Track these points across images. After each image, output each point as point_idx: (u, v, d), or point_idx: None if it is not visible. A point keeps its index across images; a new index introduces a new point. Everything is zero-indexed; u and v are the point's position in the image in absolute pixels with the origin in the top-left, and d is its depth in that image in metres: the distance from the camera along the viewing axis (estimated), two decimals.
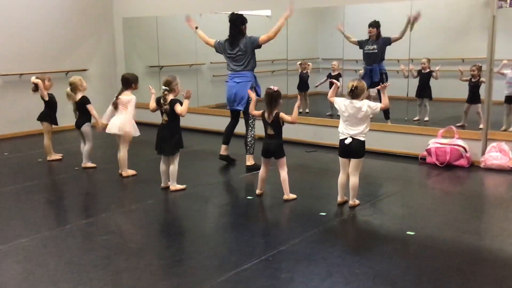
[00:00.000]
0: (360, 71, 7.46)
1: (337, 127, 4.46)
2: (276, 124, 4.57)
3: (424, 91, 7.37)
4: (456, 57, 8.19)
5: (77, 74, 8.45)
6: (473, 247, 3.61)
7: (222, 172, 5.83)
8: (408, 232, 3.85)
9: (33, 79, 6.13)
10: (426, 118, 7.25)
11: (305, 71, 8.80)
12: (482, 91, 6.28)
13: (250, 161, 5.80)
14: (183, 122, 5.09)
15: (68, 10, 8.71)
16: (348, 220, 4.22)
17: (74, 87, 5.80)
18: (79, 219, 4.33)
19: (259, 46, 5.74)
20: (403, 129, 6.49)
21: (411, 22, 6.77)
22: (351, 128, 4.30)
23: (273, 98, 4.54)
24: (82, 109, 5.84)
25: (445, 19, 8.28)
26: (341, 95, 4.73)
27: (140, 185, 5.34)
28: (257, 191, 4.80)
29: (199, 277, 3.18)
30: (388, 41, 7.14)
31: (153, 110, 5.04)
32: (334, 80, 4.68)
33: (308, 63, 8.85)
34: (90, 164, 5.92)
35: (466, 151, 5.75)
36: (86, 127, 5.85)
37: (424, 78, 7.35)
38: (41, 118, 6.26)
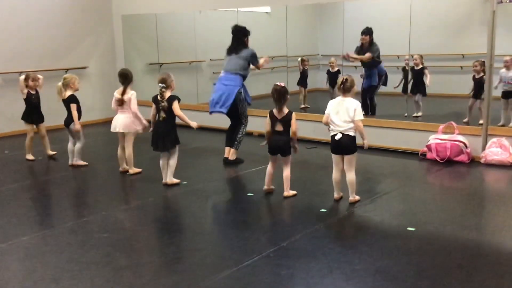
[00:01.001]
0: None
1: None
2: (285, 121, 4.57)
3: (417, 87, 7.35)
4: (456, 53, 8.18)
5: (77, 72, 8.48)
6: (474, 243, 3.62)
7: (222, 169, 5.83)
8: (408, 228, 3.85)
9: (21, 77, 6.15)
10: (420, 114, 7.24)
11: (306, 67, 8.79)
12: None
13: (233, 156, 5.85)
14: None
15: (67, 7, 8.70)
16: (349, 216, 4.22)
17: (66, 84, 5.72)
18: (79, 216, 4.33)
19: (256, 66, 5.92)
20: (403, 125, 6.49)
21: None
22: (340, 124, 4.31)
23: (281, 94, 4.54)
24: (68, 108, 5.79)
25: (445, 15, 8.27)
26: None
27: (141, 182, 5.34)
28: (265, 187, 4.75)
29: (200, 274, 3.19)
30: (378, 54, 7.21)
31: (154, 114, 5.00)
32: None
33: (307, 59, 8.84)
34: (81, 162, 5.89)
35: (466, 146, 5.75)
36: (74, 126, 5.79)
37: (417, 74, 7.33)
38: (22, 117, 6.24)
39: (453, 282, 3.03)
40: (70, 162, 5.93)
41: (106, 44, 9.34)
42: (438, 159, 5.79)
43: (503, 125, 6.24)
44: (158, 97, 4.88)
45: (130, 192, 5.23)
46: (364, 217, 4.20)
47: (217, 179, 5.44)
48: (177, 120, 5.00)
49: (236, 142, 5.87)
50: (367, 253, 3.45)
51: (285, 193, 4.64)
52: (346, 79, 4.32)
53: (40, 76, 6.28)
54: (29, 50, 8.16)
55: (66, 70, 8.45)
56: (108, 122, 6.06)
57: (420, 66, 7.27)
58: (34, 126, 6.27)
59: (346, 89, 4.32)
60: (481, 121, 6.12)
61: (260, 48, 5.92)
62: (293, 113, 4.57)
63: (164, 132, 4.92)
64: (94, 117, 5.93)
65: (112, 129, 5.47)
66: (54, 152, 6.42)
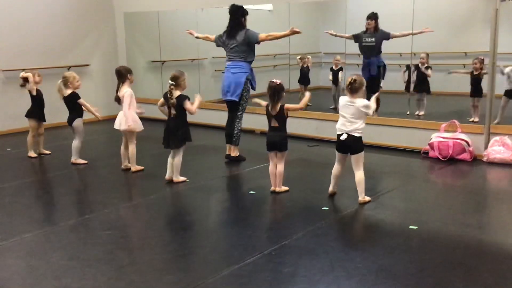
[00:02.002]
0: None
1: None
2: (280, 117, 4.57)
3: (422, 86, 7.34)
4: (459, 51, 8.16)
5: (79, 70, 8.50)
6: (476, 241, 3.61)
7: (224, 167, 5.82)
8: (411, 226, 3.85)
9: (23, 73, 6.13)
10: (422, 112, 7.23)
11: (305, 65, 8.78)
12: (484, 85, 6.25)
13: (234, 152, 5.83)
14: (188, 116, 5.08)
15: (69, 5, 8.70)
16: (351, 214, 4.22)
17: (65, 82, 5.72)
18: (81, 214, 4.34)
19: (257, 43, 5.75)
20: (405, 123, 6.48)
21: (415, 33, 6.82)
22: (346, 125, 4.28)
23: (276, 91, 4.53)
24: (70, 105, 5.79)
25: (447, 13, 8.25)
26: (343, 91, 4.74)
27: (143, 180, 5.34)
28: (272, 188, 4.72)
29: (202, 271, 3.19)
30: (387, 36, 7.09)
31: (161, 105, 5.05)
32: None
33: (308, 57, 8.83)
34: (80, 161, 5.89)
35: (469, 145, 5.74)
36: (76, 123, 5.80)
37: (422, 73, 7.32)
38: (28, 114, 6.23)
39: (455, 280, 3.02)
40: (71, 160, 5.94)
41: (108, 42, 9.34)
42: (440, 158, 5.78)
43: (498, 123, 6.22)
44: (168, 94, 4.89)
45: (132, 190, 5.23)
46: (366, 215, 4.20)
47: (218, 176, 5.44)
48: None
49: (234, 139, 5.84)
50: (369, 251, 3.45)
51: (277, 189, 4.64)
52: (355, 80, 4.22)
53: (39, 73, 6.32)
54: (31, 48, 8.16)
55: (69, 68, 8.45)
56: (110, 119, 6.07)
57: (426, 65, 7.26)
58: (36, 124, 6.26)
59: (354, 89, 4.24)
60: (472, 119, 6.13)
61: (262, 46, 5.90)
62: (285, 105, 4.55)
63: (174, 129, 4.94)
64: (90, 113, 5.94)
65: (114, 126, 5.48)
66: (49, 152, 6.43)
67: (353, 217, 4.19)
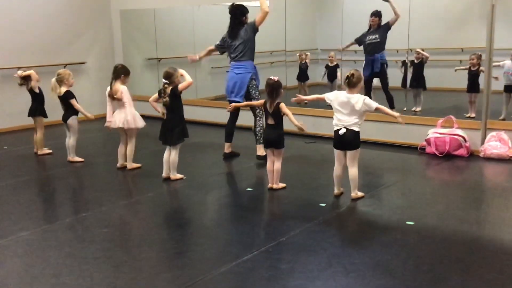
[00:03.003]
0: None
1: None
2: (276, 114, 4.57)
3: (418, 81, 7.34)
4: (455, 47, 8.16)
5: (75, 67, 8.48)
6: (473, 237, 3.62)
7: (221, 164, 5.82)
8: (407, 222, 3.85)
9: (21, 72, 6.11)
10: (419, 108, 7.23)
11: (303, 62, 8.78)
12: (481, 80, 6.27)
13: (260, 151, 5.71)
14: (185, 114, 5.07)
15: (65, 2, 8.66)
16: (348, 210, 4.22)
17: (60, 80, 5.70)
18: (79, 212, 4.33)
19: (257, 29, 5.69)
20: (402, 119, 6.48)
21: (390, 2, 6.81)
22: (345, 119, 4.26)
23: (274, 88, 4.54)
24: (66, 103, 5.77)
25: (444, 8, 8.25)
26: (338, 87, 4.73)
27: (140, 177, 5.34)
28: (269, 185, 4.71)
29: (200, 268, 3.19)
30: (388, 27, 7.05)
31: (154, 100, 5.04)
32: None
33: (306, 53, 8.83)
34: (77, 159, 5.87)
35: (465, 140, 5.75)
36: (71, 120, 5.78)
37: (418, 68, 7.32)
38: (33, 113, 6.22)
39: (452, 275, 3.03)
40: (68, 158, 5.93)
41: (105, 39, 9.32)
42: (437, 153, 5.79)
43: (503, 119, 6.25)
44: (162, 93, 4.87)
45: (129, 187, 5.22)
46: (363, 211, 4.20)
47: (216, 174, 5.44)
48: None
49: (257, 137, 5.73)
50: (366, 247, 3.45)
51: (274, 186, 4.65)
52: (353, 74, 4.21)
53: None
54: (27, 46, 8.13)
55: (65, 66, 8.43)
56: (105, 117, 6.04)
57: (421, 59, 7.27)
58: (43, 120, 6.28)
59: (351, 84, 4.22)
60: (469, 114, 6.15)
61: (259, 42, 5.88)
62: (281, 104, 4.54)
63: (171, 126, 4.94)
64: (92, 112, 5.90)
65: (112, 125, 5.46)
66: (50, 151, 6.43)
67: (350, 214, 4.19)
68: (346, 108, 4.24)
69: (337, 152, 4.39)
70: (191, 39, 8.73)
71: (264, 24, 5.69)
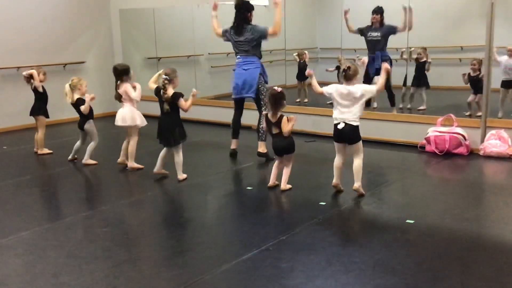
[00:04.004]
0: (363, 58, 7.36)
1: None
2: (280, 124, 4.59)
3: (420, 80, 7.33)
4: (455, 45, 8.16)
5: (74, 67, 8.49)
6: (473, 235, 3.62)
7: (221, 163, 5.82)
8: (407, 221, 3.86)
9: (25, 72, 6.12)
10: (423, 107, 7.22)
11: (302, 61, 8.77)
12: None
13: (262, 148, 5.71)
14: (182, 113, 5.07)
15: (64, 2, 8.66)
16: (348, 209, 4.23)
17: (74, 85, 5.68)
18: (79, 211, 4.33)
19: (265, 38, 5.70)
20: (402, 118, 6.49)
21: (407, 14, 6.72)
22: (344, 113, 4.31)
23: (277, 99, 4.57)
24: (79, 110, 5.76)
25: (443, 7, 8.25)
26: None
27: (141, 177, 5.33)
28: (270, 184, 4.73)
29: (200, 267, 3.19)
30: (393, 30, 6.98)
31: (151, 89, 5.05)
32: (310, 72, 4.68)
33: (305, 52, 8.81)
34: (91, 161, 5.87)
35: (465, 139, 5.75)
36: (88, 126, 5.78)
37: (420, 67, 7.31)
38: (35, 112, 6.22)
39: (452, 274, 3.03)
40: (69, 158, 5.93)
41: (104, 39, 9.31)
42: (437, 152, 5.79)
43: (501, 117, 6.24)
44: (161, 88, 4.89)
45: (129, 187, 5.22)
46: (363, 210, 4.21)
47: (216, 173, 5.44)
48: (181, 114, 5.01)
49: (260, 134, 5.72)
50: (366, 245, 3.46)
51: (282, 186, 4.66)
52: (349, 67, 4.30)
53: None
54: (27, 45, 8.13)
55: (64, 65, 8.45)
56: (106, 117, 6.06)
57: (424, 59, 7.25)
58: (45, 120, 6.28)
59: (348, 77, 4.30)
60: (479, 113, 6.13)
61: None
62: (284, 117, 4.58)
63: (169, 127, 4.94)
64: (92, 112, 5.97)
65: (116, 123, 5.48)
66: (50, 151, 6.42)
67: (350, 212, 4.19)
68: (347, 99, 4.29)
69: (337, 145, 4.45)
70: (190, 38, 8.73)
71: (263, 23, 5.69)
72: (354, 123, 4.30)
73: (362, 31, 7.29)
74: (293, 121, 4.57)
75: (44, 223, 4.07)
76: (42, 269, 3.23)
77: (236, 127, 5.94)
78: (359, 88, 4.29)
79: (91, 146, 5.81)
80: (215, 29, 5.97)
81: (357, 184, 4.39)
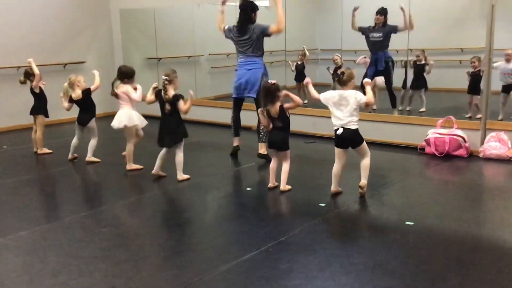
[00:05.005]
0: (366, 58, 7.35)
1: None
2: (283, 117, 4.58)
3: (419, 82, 7.34)
4: (455, 47, 8.17)
5: (74, 67, 8.48)
6: (472, 237, 3.62)
7: (221, 164, 5.82)
8: (407, 222, 3.85)
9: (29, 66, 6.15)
10: (423, 109, 7.23)
11: (300, 62, 8.77)
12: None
13: (262, 149, 5.71)
14: (182, 114, 5.07)
15: (64, 2, 8.66)
16: (347, 210, 4.22)
17: (72, 83, 5.71)
18: (78, 211, 4.32)
19: (268, 35, 5.69)
20: (402, 120, 6.49)
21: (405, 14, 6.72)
22: (341, 118, 4.31)
23: (270, 91, 4.55)
24: (84, 105, 5.79)
25: (444, 8, 8.26)
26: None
27: (140, 177, 5.33)
28: (269, 185, 4.73)
29: (199, 268, 3.19)
30: (394, 30, 6.97)
31: (150, 103, 5.05)
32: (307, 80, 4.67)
33: (306, 51, 8.80)
34: (94, 159, 5.87)
35: (465, 141, 5.75)
36: (92, 123, 5.80)
37: (419, 69, 7.32)
38: (35, 111, 6.22)
39: (451, 276, 3.03)
40: (69, 157, 5.93)
41: (104, 39, 9.31)
42: (436, 154, 5.79)
43: (501, 120, 6.25)
44: (162, 90, 4.89)
45: (129, 187, 5.22)
46: (362, 211, 4.20)
47: (216, 173, 5.43)
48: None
49: (260, 135, 5.73)
50: (365, 247, 3.46)
51: (281, 187, 4.65)
52: (343, 72, 4.33)
53: None
54: (27, 45, 8.12)
55: (64, 65, 8.45)
56: (106, 116, 6.06)
57: (423, 61, 7.26)
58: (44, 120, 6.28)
59: (342, 82, 4.33)
60: (478, 116, 6.13)
61: None
62: (283, 105, 4.57)
63: (170, 128, 4.94)
64: (91, 112, 5.96)
65: (114, 125, 5.45)
66: (50, 151, 6.42)
67: (349, 213, 4.19)
68: (342, 104, 4.30)
69: (337, 150, 4.44)
70: (190, 38, 8.74)
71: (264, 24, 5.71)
72: (353, 127, 4.31)
73: (363, 30, 7.28)
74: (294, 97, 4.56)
75: (43, 223, 4.07)
76: (41, 269, 3.23)
77: (237, 125, 5.95)
78: (353, 94, 4.28)
79: (92, 143, 5.81)
80: (219, 24, 5.97)
81: (364, 181, 4.39)
